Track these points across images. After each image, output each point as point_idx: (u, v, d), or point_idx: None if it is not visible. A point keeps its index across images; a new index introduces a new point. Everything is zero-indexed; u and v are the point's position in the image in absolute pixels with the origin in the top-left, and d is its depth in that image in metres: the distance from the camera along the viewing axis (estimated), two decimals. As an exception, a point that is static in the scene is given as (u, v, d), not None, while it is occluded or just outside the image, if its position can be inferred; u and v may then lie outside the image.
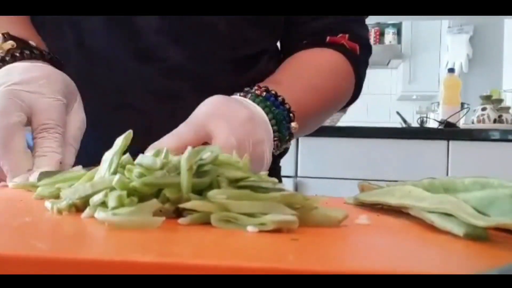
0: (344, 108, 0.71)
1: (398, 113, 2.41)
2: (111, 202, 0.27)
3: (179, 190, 0.28)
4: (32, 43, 0.53)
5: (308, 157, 1.88)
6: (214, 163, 0.30)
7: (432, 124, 2.30)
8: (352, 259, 0.22)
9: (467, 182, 0.32)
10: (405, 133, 1.92)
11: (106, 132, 0.44)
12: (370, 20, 3.25)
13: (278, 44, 0.71)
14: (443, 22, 3.21)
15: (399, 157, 1.83)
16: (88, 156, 0.43)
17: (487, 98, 2.11)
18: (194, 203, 0.27)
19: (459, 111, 2.10)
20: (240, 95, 0.50)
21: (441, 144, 1.82)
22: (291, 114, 0.51)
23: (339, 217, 0.29)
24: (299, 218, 0.26)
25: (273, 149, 0.49)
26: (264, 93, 0.50)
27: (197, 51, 0.60)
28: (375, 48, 3.36)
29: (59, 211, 0.30)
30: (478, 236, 0.25)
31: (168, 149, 0.40)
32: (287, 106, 0.51)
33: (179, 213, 0.28)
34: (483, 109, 2.07)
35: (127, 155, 0.31)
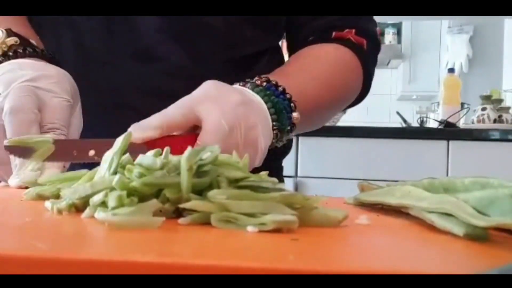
0: (353, 105, 0.70)
1: (398, 113, 2.41)
2: (111, 202, 0.27)
3: (179, 190, 0.28)
4: (32, 41, 0.53)
5: (308, 157, 1.88)
6: (214, 163, 0.30)
7: (432, 124, 2.30)
8: (352, 259, 0.22)
9: (467, 182, 0.32)
10: (405, 133, 1.92)
11: (105, 132, 0.44)
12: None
13: (281, 43, 0.70)
14: (443, 22, 3.21)
15: (399, 157, 1.82)
16: None
17: (487, 98, 2.11)
18: (194, 203, 0.27)
19: (459, 111, 2.10)
20: (239, 85, 0.50)
21: (441, 144, 1.82)
22: (292, 104, 0.50)
23: (339, 217, 0.29)
24: (299, 218, 0.26)
25: (273, 139, 0.48)
26: (265, 83, 0.49)
27: (196, 50, 0.60)
28: (375, 48, 3.36)
29: (59, 211, 0.30)
30: (478, 236, 0.25)
31: (153, 127, 0.40)
32: (288, 95, 0.50)
33: (179, 213, 0.28)
34: (483, 109, 2.07)
35: (127, 155, 0.31)
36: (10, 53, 0.50)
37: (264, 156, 0.47)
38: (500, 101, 2.14)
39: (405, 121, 2.35)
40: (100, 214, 0.26)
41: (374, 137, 1.85)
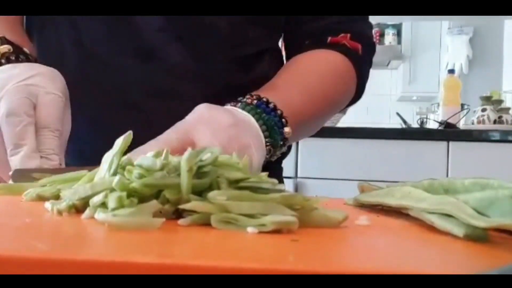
0: (345, 108, 0.71)
1: (398, 114, 2.41)
2: (111, 203, 0.27)
3: (179, 191, 0.28)
4: (26, 49, 0.53)
5: (308, 158, 1.88)
6: (214, 164, 0.30)
7: (432, 125, 2.30)
8: (352, 260, 0.22)
9: (467, 183, 0.32)
10: (405, 134, 1.92)
11: (106, 132, 0.44)
12: (370, 21, 3.25)
13: (280, 43, 0.70)
14: (443, 23, 3.21)
15: (399, 158, 1.82)
16: (89, 156, 0.44)
17: (487, 99, 2.11)
18: (194, 204, 0.27)
19: (459, 112, 2.10)
20: (230, 105, 0.51)
21: (441, 145, 1.82)
22: (283, 120, 0.51)
23: (339, 218, 0.29)
24: (299, 219, 0.26)
25: (266, 155, 0.49)
26: (255, 101, 0.51)
27: (198, 50, 0.60)
28: (375, 49, 3.36)
29: (59, 212, 0.30)
30: (478, 237, 0.25)
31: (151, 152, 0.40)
32: (278, 112, 0.51)
33: (179, 214, 0.28)
34: (483, 110, 2.07)
35: (127, 156, 0.31)
36: (3, 61, 0.51)
37: (259, 173, 0.47)
38: (500, 102, 2.14)
39: (405, 122, 2.35)
40: (100, 215, 0.26)
41: (374, 138, 1.85)
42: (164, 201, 0.28)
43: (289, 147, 0.75)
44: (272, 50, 0.67)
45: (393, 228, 0.30)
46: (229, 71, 0.60)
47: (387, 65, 3.38)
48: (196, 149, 0.42)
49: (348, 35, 0.63)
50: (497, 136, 1.81)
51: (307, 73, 0.61)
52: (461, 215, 0.26)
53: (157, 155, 0.31)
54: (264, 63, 0.65)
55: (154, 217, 0.27)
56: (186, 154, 0.29)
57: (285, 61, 0.66)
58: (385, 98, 3.43)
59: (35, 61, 0.53)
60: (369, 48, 0.66)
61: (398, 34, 3.32)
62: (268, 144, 0.49)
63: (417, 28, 3.26)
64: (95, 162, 0.35)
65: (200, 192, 0.29)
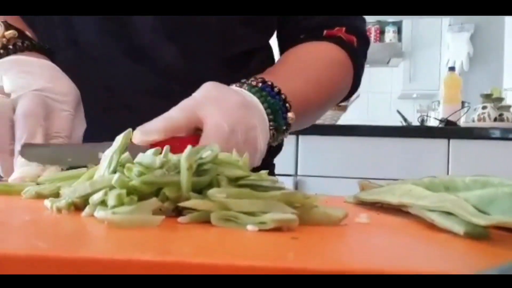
0: (342, 102, 0.71)
1: (398, 111, 2.41)
2: (111, 200, 0.27)
3: (178, 189, 0.28)
4: (28, 33, 0.53)
5: (308, 155, 1.88)
6: (214, 161, 0.30)
7: (432, 122, 2.30)
8: (352, 258, 0.22)
9: (468, 180, 0.32)
10: (406, 131, 1.92)
11: (99, 132, 0.44)
12: (371, 18, 3.25)
13: (271, 42, 0.70)
14: (444, 20, 3.20)
15: (400, 155, 1.82)
16: None
17: (488, 97, 2.11)
18: (194, 202, 0.27)
19: (459, 110, 2.10)
20: (236, 86, 0.50)
21: (441, 143, 1.82)
22: (287, 104, 0.51)
23: (339, 216, 0.29)
24: (299, 216, 0.26)
25: (269, 138, 0.49)
26: (260, 84, 0.50)
27: (190, 49, 0.60)
28: (376, 47, 3.36)
29: (59, 210, 0.30)
30: (478, 234, 0.25)
31: (158, 130, 0.40)
32: (283, 96, 0.51)
33: (178, 211, 0.28)
34: (484, 107, 2.07)
35: (127, 153, 0.31)
36: (10, 46, 0.51)
37: (263, 156, 0.47)
38: (500, 99, 2.13)
39: (405, 119, 2.34)
40: (99, 213, 0.26)
41: (374, 135, 1.85)
42: (164, 198, 0.28)
43: (281, 144, 0.75)
44: (263, 49, 0.67)
45: (393, 226, 0.30)
46: (220, 70, 0.60)
47: (388, 62, 3.37)
48: (205, 126, 0.43)
49: (344, 28, 0.64)
50: (497, 133, 1.81)
51: (306, 61, 0.61)
52: (462, 212, 0.26)
53: (157, 152, 0.31)
54: (256, 61, 0.65)
55: (153, 214, 0.27)
56: (186, 152, 0.28)
57: (278, 57, 0.66)
58: (385, 95, 3.43)
59: (39, 45, 0.53)
60: (364, 42, 0.67)
61: (399, 31, 3.31)
62: (272, 128, 0.49)
63: (418, 25, 3.25)
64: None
65: (200, 190, 0.28)
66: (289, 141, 1.85)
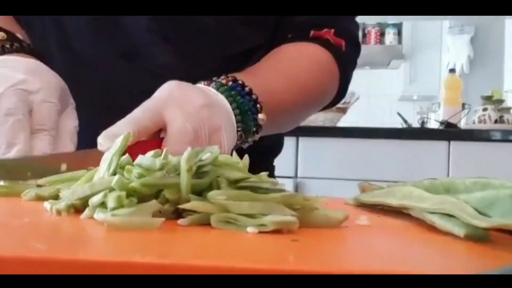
0: (329, 106, 0.69)
1: (398, 113, 2.41)
2: (110, 202, 0.27)
3: (178, 191, 0.28)
4: (19, 35, 0.53)
5: (308, 157, 1.88)
6: (214, 163, 0.30)
7: (433, 124, 2.30)
8: (353, 260, 0.22)
9: (468, 182, 0.32)
10: (406, 133, 1.92)
11: (93, 133, 0.44)
12: (371, 20, 3.25)
13: None
14: (444, 23, 3.21)
15: (400, 157, 1.82)
16: None
17: (488, 99, 2.11)
18: (193, 204, 0.27)
19: (460, 112, 2.10)
20: (204, 84, 0.49)
21: (442, 145, 1.82)
22: (258, 105, 0.49)
23: (340, 218, 0.29)
24: (299, 219, 0.26)
25: (237, 140, 0.48)
26: (230, 83, 0.49)
27: (186, 50, 0.59)
28: (376, 49, 3.36)
29: (58, 212, 0.29)
30: (479, 237, 0.25)
31: (123, 134, 0.40)
32: (254, 96, 0.49)
33: (178, 214, 0.28)
34: (484, 109, 2.07)
35: (127, 155, 0.31)
36: None
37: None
38: (501, 101, 2.13)
39: (405, 121, 2.35)
40: (99, 215, 0.26)
41: (374, 137, 1.85)
42: (164, 200, 0.28)
43: (280, 145, 0.75)
44: (261, 48, 0.66)
45: (394, 228, 0.30)
46: (217, 70, 0.60)
47: (388, 64, 3.38)
48: (169, 129, 0.42)
49: (332, 30, 0.61)
50: (498, 135, 1.80)
51: (286, 62, 0.59)
52: (462, 215, 0.26)
53: (156, 154, 0.31)
54: (253, 61, 0.64)
55: (153, 217, 0.27)
56: (186, 153, 0.28)
57: None
58: (385, 97, 3.43)
59: (29, 47, 0.52)
60: (354, 48, 0.65)
61: (399, 33, 3.32)
62: (239, 129, 0.48)
63: (418, 27, 3.26)
64: None
65: (199, 192, 0.28)
66: (289, 143, 1.85)
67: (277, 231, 0.25)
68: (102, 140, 0.40)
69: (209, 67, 0.60)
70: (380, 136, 1.85)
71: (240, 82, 0.49)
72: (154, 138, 0.42)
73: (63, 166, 0.40)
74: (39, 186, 0.37)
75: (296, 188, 1.86)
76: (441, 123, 2.08)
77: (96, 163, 0.33)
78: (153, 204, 0.27)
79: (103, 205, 0.28)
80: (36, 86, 0.47)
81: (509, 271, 0.17)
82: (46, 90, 0.47)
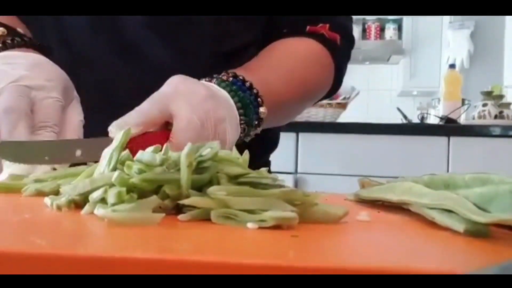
0: (323, 99, 0.70)
1: (398, 109, 2.41)
2: (111, 198, 0.27)
3: (178, 187, 0.28)
4: (20, 30, 0.53)
5: (308, 153, 1.88)
6: (214, 159, 0.30)
7: (432, 120, 2.29)
8: (353, 256, 0.22)
9: (468, 178, 0.32)
10: (406, 129, 1.92)
11: (94, 130, 0.44)
12: (371, 16, 3.24)
13: None
14: (444, 18, 3.19)
15: (400, 153, 1.82)
16: None
17: (488, 94, 2.11)
18: (194, 199, 0.27)
19: (460, 107, 2.10)
20: (206, 80, 0.50)
21: (441, 140, 1.82)
22: (259, 99, 0.50)
23: (339, 214, 0.29)
24: (299, 214, 0.26)
25: (241, 133, 0.49)
26: (231, 78, 0.50)
27: (182, 46, 0.60)
28: (376, 44, 3.36)
29: (59, 208, 0.30)
30: (478, 232, 0.25)
31: (133, 124, 0.40)
32: (254, 90, 0.50)
33: (178, 209, 0.28)
34: (484, 105, 2.06)
35: (127, 151, 0.31)
36: None
37: (231, 149, 0.47)
38: (501, 97, 2.13)
39: (405, 117, 2.34)
40: (99, 211, 0.26)
41: (374, 133, 1.85)
42: (164, 196, 0.28)
43: (276, 141, 0.75)
44: (256, 43, 0.66)
45: (394, 224, 0.30)
46: (213, 66, 0.60)
47: (388, 60, 3.37)
48: (176, 121, 0.42)
49: (327, 25, 0.62)
50: (498, 131, 1.80)
51: (283, 57, 0.60)
52: (462, 210, 0.26)
53: (156, 150, 0.31)
54: (248, 57, 0.64)
55: (153, 212, 0.27)
56: (186, 149, 0.28)
57: None
58: (385, 93, 3.43)
59: (30, 41, 0.52)
60: (348, 42, 0.66)
61: (399, 28, 3.31)
62: (242, 122, 0.49)
63: (418, 22, 3.25)
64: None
65: (200, 188, 0.28)
66: (289, 138, 1.85)
67: (277, 227, 0.25)
68: (113, 128, 0.41)
69: (205, 63, 0.60)
70: (380, 132, 1.85)
71: (240, 77, 0.50)
72: (162, 130, 0.43)
73: (78, 152, 0.40)
74: (38, 181, 0.37)
75: (296, 183, 1.86)
76: (441, 118, 2.08)
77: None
78: (154, 199, 0.27)
79: (103, 200, 0.28)
80: (38, 82, 0.47)
81: (508, 267, 0.17)
82: (49, 86, 0.47)
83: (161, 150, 0.31)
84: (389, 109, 3.23)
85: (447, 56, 3.11)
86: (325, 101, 1.91)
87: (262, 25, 0.66)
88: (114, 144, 0.32)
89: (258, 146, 0.56)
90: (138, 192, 0.28)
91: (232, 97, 0.48)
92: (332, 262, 0.19)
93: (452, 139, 1.82)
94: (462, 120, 2.15)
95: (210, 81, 0.50)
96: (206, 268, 0.18)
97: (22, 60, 0.48)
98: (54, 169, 0.42)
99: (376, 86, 3.39)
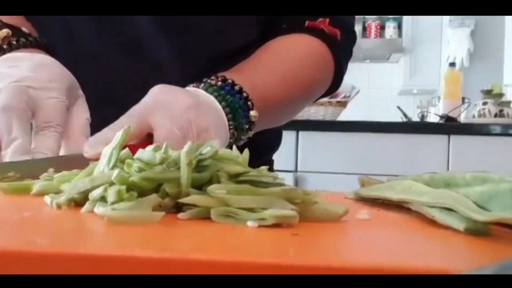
0: (323, 97, 0.68)
1: (398, 107, 2.41)
2: (111, 197, 0.27)
3: (178, 185, 0.28)
4: (25, 29, 0.53)
5: (308, 151, 1.88)
6: (214, 157, 0.30)
7: (433, 118, 2.29)
8: (353, 254, 0.22)
9: (468, 176, 0.32)
10: (406, 127, 1.92)
11: (96, 128, 0.44)
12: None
13: None
14: (444, 16, 3.19)
15: (400, 151, 1.82)
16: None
17: (488, 93, 2.11)
18: (194, 198, 0.27)
19: (460, 106, 2.10)
20: (193, 86, 0.49)
21: (442, 139, 1.82)
22: (249, 102, 0.49)
23: (340, 212, 0.29)
24: (299, 213, 0.26)
25: (230, 138, 0.48)
26: (220, 83, 0.49)
27: (185, 45, 0.59)
28: (376, 42, 3.36)
29: (59, 206, 0.29)
30: (478, 231, 0.25)
31: (109, 140, 0.39)
32: (244, 94, 0.49)
33: (178, 208, 0.28)
34: (484, 103, 2.06)
35: (127, 149, 0.31)
36: (5, 46, 0.50)
37: None
38: (501, 95, 2.13)
39: (405, 115, 2.34)
40: (99, 209, 0.26)
41: (374, 131, 1.85)
42: (164, 195, 0.28)
43: (279, 140, 0.75)
44: (258, 42, 0.66)
45: (394, 222, 0.30)
46: (216, 66, 0.59)
47: (388, 58, 3.37)
48: (156, 134, 0.41)
49: (327, 20, 0.61)
50: (498, 129, 1.81)
51: (278, 56, 0.59)
52: (462, 209, 0.26)
53: (157, 148, 0.31)
54: (248, 55, 0.63)
55: (153, 211, 0.27)
56: (186, 147, 0.28)
57: None
58: (385, 91, 3.43)
59: (36, 40, 0.52)
60: (349, 37, 0.63)
61: (399, 27, 3.31)
62: (231, 127, 0.48)
63: (418, 21, 3.25)
64: None
65: (200, 186, 0.28)
66: (289, 137, 1.85)
67: (277, 225, 0.25)
68: (88, 148, 0.40)
69: (207, 63, 0.60)
70: (380, 130, 1.85)
71: (229, 81, 0.49)
72: (143, 142, 0.42)
73: (51, 170, 0.40)
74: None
75: (296, 182, 1.86)
76: (441, 117, 2.08)
77: (81, 168, 0.33)
78: (153, 198, 0.27)
79: (103, 199, 0.28)
80: (41, 83, 0.46)
81: (508, 266, 0.17)
82: (51, 86, 0.47)
83: (161, 149, 0.31)
84: (389, 108, 3.23)
85: (447, 55, 3.12)
86: (325, 100, 1.91)
87: (262, 23, 0.65)
88: (114, 142, 0.32)
89: (261, 145, 0.55)
90: (138, 190, 0.28)
91: (220, 102, 0.47)
92: (332, 260, 0.19)
93: (452, 137, 1.82)
94: (462, 118, 2.15)
95: (198, 86, 0.49)
96: (206, 267, 0.18)
97: (26, 62, 0.48)
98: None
99: (376, 85, 3.39)
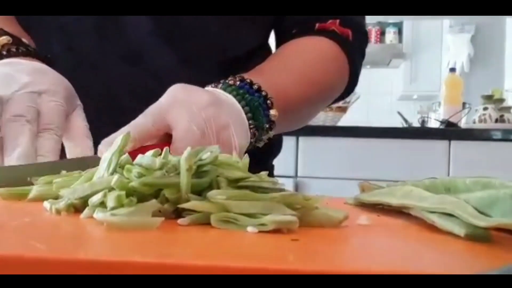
0: (340, 99, 0.68)
1: (399, 113, 2.41)
2: (110, 202, 0.27)
3: (178, 191, 0.28)
4: (24, 40, 0.53)
5: (308, 157, 1.88)
6: (214, 163, 0.30)
7: (433, 124, 2.30)
8: (353, 260, 0.22)
9: (469, 182, 0.32)
10: (406, 133, 1.92)
11: (97, 136, 0.44)
12: (371, 20, 3.25)
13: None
14: (445, 21, 3.20)
15: (400, 157, 1.82)
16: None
17: (489, 98, 2.11)
18: (193, 203, 0.27)
19: (460, 111, 2.10)
20: (211, 86, 0.49)
21: (442, 144, 1.82)
22: (268, 101, 0.49)
23: (340, 218, 0.28)
24: (299, 218, 0.26)
25: (251, 138, 0.47)
26: (238, 82, 0.48)
27: (187, 53, 0.59)
28: (376, 48, 3.36)
29: (58, 212, 0.29)
30: (479, 236, 0.25)
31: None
32: (263, 93, 0.49)
33: (178, 213, 0.28)
34: (485, 108, 2.07)
35: (126, 155, 0.31)
36: (4, 52, 0.50)
37: (242, 155, 0.46)
38: (501, 100, 2.13)
39: (406, 121, 2.35)
40: (99, 215, 0.26)
41: (375, 137, 1.85)
42: (164, 200, 0.28)
43: (279, 146, 0.75)
44: (262, 49, 0.66)
45: (394, 228, 0.30)
46: (218, 73, 0.60)
47: (388, 63, 3.37)
48: (174, 132, 0.41)
49: (338, 21, 0.60)
50: (498, 135, 1.81)
51: (296, 58, 0.58)
52: (462, 214, 0.26)
53: (156, 154, 0.31)
54: (255, 62, 0.64)
55: (153, 216, 0.26)
56: (185, 153, 0.28)
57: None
58: (386, 97, 3.43)
59: (34, 51, 0.52)
60: (361, 36, 0.63)
61: (399, 32, 3.31)
62: (252, 126, 0.47)
63: (418, 26, 3.25)
64: None
65: (199, 192, 0.28)
66: (289, 142, 1.85)
67: (277, 231, 0.25)
68: (103, 147, 0.40)
69: (210, 70, 0.60)
70: (380, 136, 1.85)
71: (248, 80, 0.49)
72: (162, 142, 0.42)
73: (63, 173, 0.40)
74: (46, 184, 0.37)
75: (296, 187, 1.86)
76: (442, 122, 2.08)
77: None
78: (153, 203, 0.27)
79: (102, 204, 0.28)
80: (42, 87, 0.46)
81: (509, 271, 0.17)
82: (53, 90, 0.47)
83: (160, 154, 0.31)
84: (390, 113, 3.23)
85: (447, 60, 3.12)
86: (325, 105, 1.91)
87: (267, 30, 0.65)
88: (114, 148, 0.32)
89: (263, 151, 0.55)
90: (138, 196, 0.28)
91: (239, 101, 0.47)
92: (332, 266, 0.19)
93: (453, 143, 1.82)
94: (463, 124, 2.15)
95: (216, 86, 0.48)
96: (206, 272, 0.18)
97: (26, 66, 0.48)
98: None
99: (376, 90, 3.39)
